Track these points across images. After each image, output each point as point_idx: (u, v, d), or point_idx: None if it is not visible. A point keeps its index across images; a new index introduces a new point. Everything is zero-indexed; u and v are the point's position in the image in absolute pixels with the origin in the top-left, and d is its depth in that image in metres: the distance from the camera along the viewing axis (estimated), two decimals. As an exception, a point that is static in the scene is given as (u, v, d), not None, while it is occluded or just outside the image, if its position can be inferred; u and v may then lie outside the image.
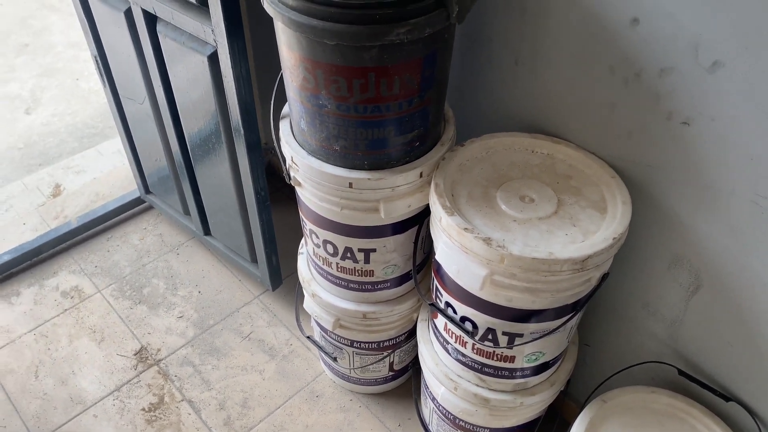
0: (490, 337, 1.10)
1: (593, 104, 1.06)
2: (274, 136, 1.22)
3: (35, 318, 1.82)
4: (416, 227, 1.24)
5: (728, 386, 1.12)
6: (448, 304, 1.14)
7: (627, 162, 1.07)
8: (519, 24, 1.10)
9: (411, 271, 1.31)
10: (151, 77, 1.55)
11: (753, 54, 0.82)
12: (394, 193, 1.12)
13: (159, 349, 1.75)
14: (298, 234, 1.52)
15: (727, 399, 1.11)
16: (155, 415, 1.60)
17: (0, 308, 1.84)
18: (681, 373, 1.17)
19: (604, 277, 1.04)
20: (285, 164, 1.20)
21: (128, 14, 1.43)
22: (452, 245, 1.01)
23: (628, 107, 1.01)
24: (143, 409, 1.61)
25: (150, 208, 2.15)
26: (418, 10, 0.89)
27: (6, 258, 1.91)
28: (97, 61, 1.69)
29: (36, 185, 2.43)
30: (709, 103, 0.90)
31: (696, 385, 1.15)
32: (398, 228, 1.21)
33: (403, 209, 1.15)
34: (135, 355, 1.74)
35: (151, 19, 1.40)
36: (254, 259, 1.79)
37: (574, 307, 1.05)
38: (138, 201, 2.12)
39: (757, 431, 1.09)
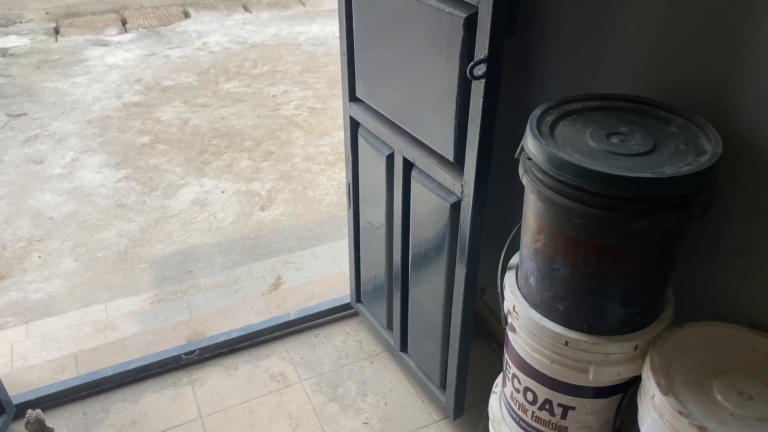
0: None
1: (830, 316, 1.07)
2: (498, 283, 1.37)
3: (246, 393, 2.08)
4: (620, 396, 1.28)
5: None
6: (645, 482, 1.14)
7: None
8: (752, 226, 1.15)
9: (606, 437, 1.33)
10: (394, 210, 1.81)
11: None
12: (606, 359, 1.19)
13: (342, 449, 1.90)
14: (485, 370, 1.61)
15: None
16: None
17: (220, 377, 2.14)
18: None
19: (827, 497, 0.99)
20: (503, 309, 1.34)
21: (389, 158, 1.72)
22: (663, 425, 1.04)
23: None
24: (320, 503, 1.74)
25: (356, 314, 2.39)
26: (664, 206, 1.00)
27: (234, 335, 2.23)
28: (349, 187, 2.01)
29: (260, 274, 2.82)
30: None
31: None
32: (602, 393, 1.26)
33: (611, 376, 1.21)
34: (321, 448, 1.90)
35: (408, 165, 1.67)
36: (443, 385, 1.91)
37: None
38: (347, 306, 2.38)
39: None
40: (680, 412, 1.01)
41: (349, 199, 2.03)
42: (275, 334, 2.30)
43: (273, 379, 2.13)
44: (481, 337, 2.21)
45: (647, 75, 1.28)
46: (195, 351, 2.18)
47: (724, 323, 1.20)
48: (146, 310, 2.57)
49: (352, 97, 1.83)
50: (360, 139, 1.86)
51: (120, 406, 2.02)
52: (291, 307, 2.42)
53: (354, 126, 1.87)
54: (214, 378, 2.13)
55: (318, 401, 2.05)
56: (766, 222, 1.13)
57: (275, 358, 2.21)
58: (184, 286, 2.75)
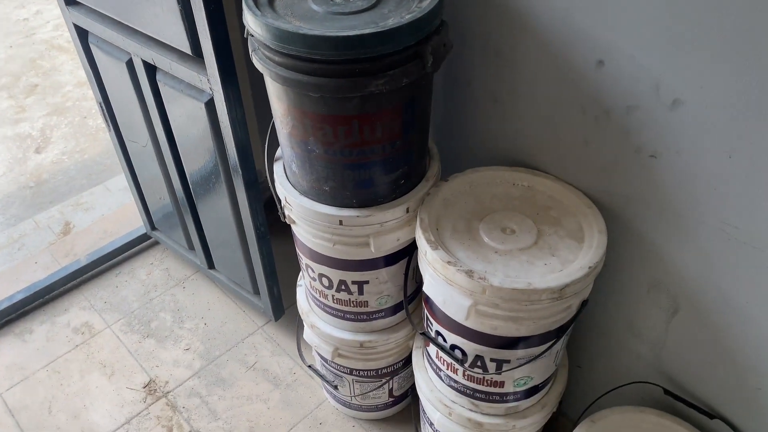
0: (479, 363, 1.15)
1: (568, 140, 1.12)
2: (268, 178, 1.29)
3: (48, 354, 1.88)
4: (406, 259, 1.29)
5: (712, 404, 1.16)
6: (438, 333, 1.19)
7: (602, 193, 1.12)
8: (495, 67, 1.16)
9: (403, 300, 1.36)
10: (153, 122, 1.62)
11: (708, 92, 0.88)
12: (382, 228, 1.18)
13: (167, 382, 1.80)
14: (298, 265, 1.58)
15: (712, 416, 1.15)
16: (164, 447, 1.65)
17: (14, 346, 1.91)
18: (666, 392, 1.21)
19: (584, 303, 1.09)
20: (280, 204, 1.27)
21: (129, 64, 1.51)
22: (437, 278, 1.06)
23: (600, 143, 1.07)
24: (153, 441, 1.67)
25: (156, 243, 2.22)
26: (395, 62, 0.95)
27: (19, 297, 1.98)
28: (102, 107, 1.77)
29: (47, 223, 2.51)
30: (673, 138, 0.96)
31: (682, 404, 1.19)
32: (389, 260, 1.27)
33: (392, 243, 1.21)
34: (144, 388, 1.79)
35: (151, 69, 1.48)
36: (257, 291, 1.85)
37: (557, 333, 1.10)
38: (144, 237, 2.20)
39: (741, 448, 1.13)
40: (449, 262, 1.03)
41: (106, 119, 1.80)
42: (69, 285, 2.08)
43: (76, 332, 1.94)
44: (288, 230, 2.16)
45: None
46: (-26, 327, 1.91)
47: (486, 167, 1.23)
48: None
49: (68, 1, 1.55)
50: (93, 49, 1.61)
51: None
52: (82, 253, 2.19)
53: (82, 35, 1.61)
54: (6, 348, 1.90)
55: (131, 341, 1.91)
56: (505, 60, 1.14)
57: (75, 310, 2.01)
58: (-47, 259, 2.38)
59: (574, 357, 1.40)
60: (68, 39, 3.84)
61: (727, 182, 0.93)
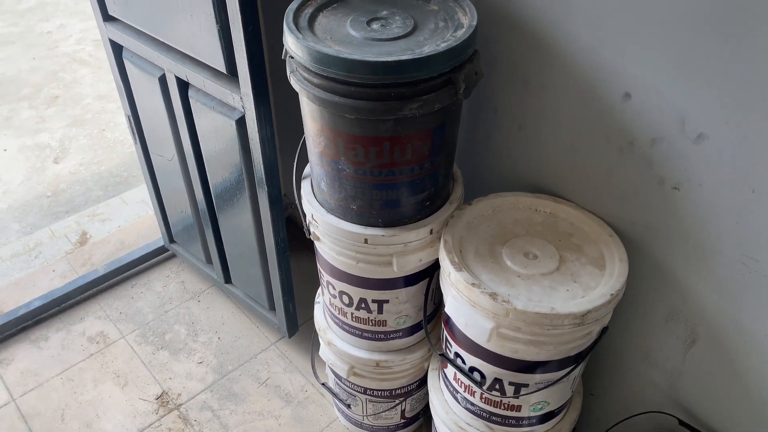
0: (497, 387, 1.16)
1: (591, 169, 1.15)
2: (296, 195, 1.32)
3: (62, 362, 1.90)
4: (427, 279, 1.31)
5: (727, 436, 1.17)
6: (457, 355, 1.20)
7: (624, 222, 1.14)
8: (522, 95, 1.19)
9: (422, 321, 1.38)
10: (181, 136, 1.66)
11: (733, 127, 0.91)
12: (406, 248, 1.20)
13: (179, 394, 1.82)
14: (314, 283, 1.60)
15: (726, 449, 1.16)
16: (175, 459, 1.66)
17: (29, 352, 1.92)
18: (681, 423, 1.21)
19: (604, 330, 1.10)
20: (305, 220, 1.30)
21: (162, 80, 1.55)
22: (460, 299, 1.08)
23: (623, 172, 1.09)
24: (163, 453, 1.67)
25: (173, 256, 2.25)
26: (429, 88, 0.98)
27: (36, 304, 2.00)
28: (130, 120, 1.82)
29: (63, 233, 2.54)
30: (696, 171, 0.98)
31: (696, 435, 1.20)
32: (410, 280, 1.29)
33: (414, 263, 1.23)
34: (156, 399, 1.80)
35: (183, 85, 1.52)
36: (272, 307, 1.87)
37: (576, 359, 1.12)
38: (162, 249, 2.22)
39: (756, 481, 1.13)
40: (473, 284, 1.05)
41: (133, 132, 1.84)
42: (86, 294, 2.10)
43: (91, 341, 1.96)
44: (305, 251, 2.18)
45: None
46: (-9, 332, 1.93)
47: (509, 192, 1.26)
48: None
49: (106, 17, 1.60)
50: (127, 64, 1.66)
51: None
52: (99, 263, 2.22)
53: (117, 50, 1.66)
54: (21, 354, 1.92)
55: (145, 352, 1.93)
56: (532, 89, 1.17)
57: (90, 319, 2.03)
58: (-29, 265, 2.41)
59: (588, 384, 1.41)
60: (90, 53, 3.92)
61: (749, 216, 0.95)
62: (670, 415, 1.24)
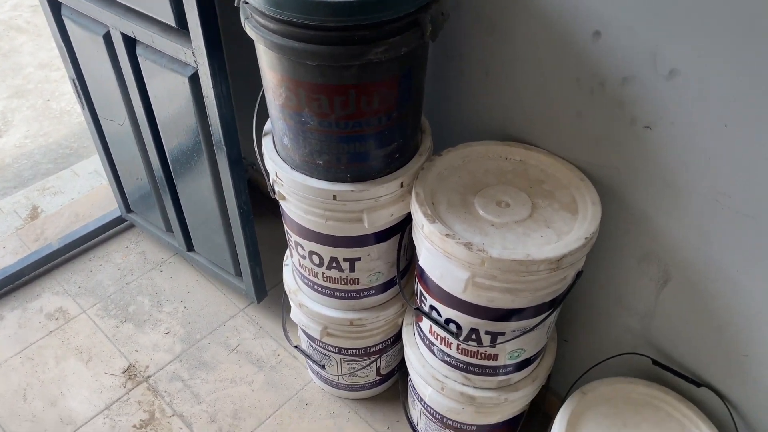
0: (473, 337, 1.15)
1: (561, 113, 1.12)
2: (257, 152, 1.26)
3: (20, 341, 1.82)
4: (399, 235, 1.28)
5: (700, 373, 1.19)
6: (432, 308, 1.18)
7: (595, 165, 1.13)
8: (488, 40, 1.15)
9: (395, 277, 1.36)
10: (131, 98, 1.57)
11: (705, 62, 0.89)
12: (376, 203, 1.16)
13: (147, 366, 1.76)
14: (280, 247, 1.56)
15: (699, 385, 1.18)
16: (147, 431, 1.62)
17: (-16, 333, 1.84)
18: (655, 362, 1.23)
19: (579, 274, 1.10)
20: (269, 179, 1.24)
21: (107, 38, 1.46)
22: (435, 251, 1.06)
23: (595, 114, 1.07)
24: (134, 426, 1.63)
25: (131, 226, 2.16)
26: (394, 30, 0.94)
27: (-12, 282, 1.91)
28: (75, 83, 1.71)
29: (12, 208, 2.41)
30: (668, 108, 0.97)
31: (670, 374, 1.21)
32: (381, 237, 1.26)
33: (385, 218, 1.20)
34: (123, 372, 1.75)
35: (130, 43, 1.43)
36: (238, 273, 1.82)
37: (551, 305, 1.11)
38: (119, 220, 2.14)
39: (728, 413, 1.16)
40: (447, 235, 1.02)
41: (80, 97, 1.73)
42: (41, 270, 2.01)
43: (50, 318, 1.88)
44: (269, 215, 2.13)
45: None
46: (-59, 314, 1.84)
47: (479, 142, 1.23)
48: None
49: (41, -30, 1.49)
50: (67, 22, 1.55)
51: None
52: (53, 237, 2.12)
53: (55, 7, 1.55)
54: (-25, 337, 1.83)
55: (108, 326, 1.86)
56: (498, 32, 1.13)
57: (47, 296, 1.94)
58: None
59: (562, 332, 1.42)
60: (27, 20, 3.70)
61: (721, 151, 0.94)
62: (644, 355, 1.26)
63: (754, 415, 1.14)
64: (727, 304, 1.07)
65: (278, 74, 1.02)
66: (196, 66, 1.30)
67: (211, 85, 1.30)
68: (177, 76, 1.36)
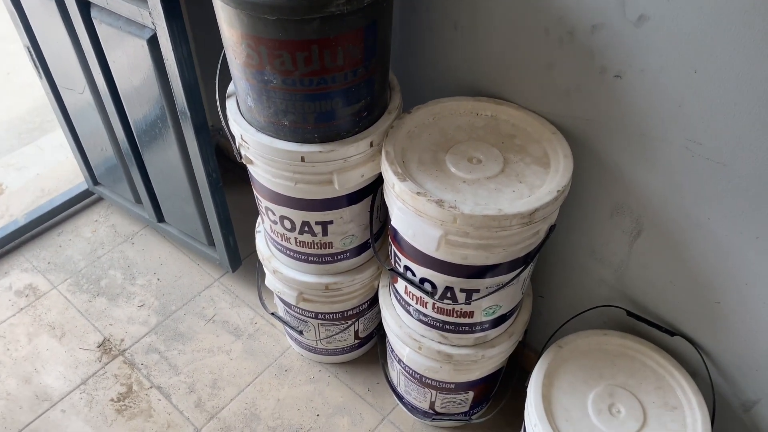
0: (448, 295, 1.15)
1: (531, 65, 1.10)
2: (221, 116, 1.22)
3: (-10, 320, 1.78)
4: (371, 196, 1.26)
5: (673, 322, 1.20)
6: (407, 268, 1.17)
7: (566, 118, 1.11)
8: (453, -11, 1.12)
9: (369, 240, 1.34)
10: (90, 65, 1.51)
11: (674, 5, 0.87)
12: (346, 164, 1.14)
13: (122, 339, 1.74)
14: (252, 214, 1.53)
15: (672, 334, 1.19)
16: (125, 404, 1.60)
17: (-49, 313, 1.80)
18: (629, 314, 1.24)
19: (552, 228, 1.09)
20: (235, 143, 1.21)
21: (59, 2, 1.39)
22: (406, 210, 1.04)
23: (565, 65, 1.05)
24: (112, 400, 1.61)
25: (100, 199, 2.11)
26: (356, -20, 0.90)
27: (-48, 262, 1.86)
28: (30, 52, 1.64)
29: (-25, 185, 2.35)
30: (638, 56, 0.95)
31: (644, 324, 1.22)
32: (353, 198, 1.23)
33: (356, 179, 1.18)
34: (98, 347, 1.73)
35: (84, 5, 1.36)
36: (211, 243, 1.79)
37: (525, 260, 1.10)
38: (87, 193, 2.08)
39: (701, 360, 1.17)
40: (418, 193, 1.00)
41: (36, 65, 1.67)
42: (8, 247, 1.96)
43: (19, 295, 1.84)
44: (241, 183, 2.09)
45: None
46: None
47: (449, 98, 1.20)
48: None
49: (-16, -70, 1.41)
50: (16, -14, 1.48)
51: None
52: (19, 213, 2.06)
53: (2, -30, 1.47)
54: (-57, 318, 1.79)
55: (81, 301, 1.83)
56: (465, -16, 1.10)
57: (16, 272, 1.90)
58: None
59: (537, 288, 1.42)
60: (-18, -11, 3.55)
61: (691, 98, 0.93)
62: (619, 307, 1.26)
63: (726, 360, 1.15)
64: (699, 252, 1.07)
65: (237, 31, 0.98)
66: (154, 28, 1.25)
67: (171, 47, 1.25)
68: (135, 40, 1.31)
